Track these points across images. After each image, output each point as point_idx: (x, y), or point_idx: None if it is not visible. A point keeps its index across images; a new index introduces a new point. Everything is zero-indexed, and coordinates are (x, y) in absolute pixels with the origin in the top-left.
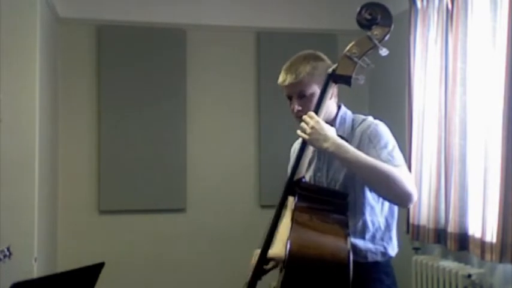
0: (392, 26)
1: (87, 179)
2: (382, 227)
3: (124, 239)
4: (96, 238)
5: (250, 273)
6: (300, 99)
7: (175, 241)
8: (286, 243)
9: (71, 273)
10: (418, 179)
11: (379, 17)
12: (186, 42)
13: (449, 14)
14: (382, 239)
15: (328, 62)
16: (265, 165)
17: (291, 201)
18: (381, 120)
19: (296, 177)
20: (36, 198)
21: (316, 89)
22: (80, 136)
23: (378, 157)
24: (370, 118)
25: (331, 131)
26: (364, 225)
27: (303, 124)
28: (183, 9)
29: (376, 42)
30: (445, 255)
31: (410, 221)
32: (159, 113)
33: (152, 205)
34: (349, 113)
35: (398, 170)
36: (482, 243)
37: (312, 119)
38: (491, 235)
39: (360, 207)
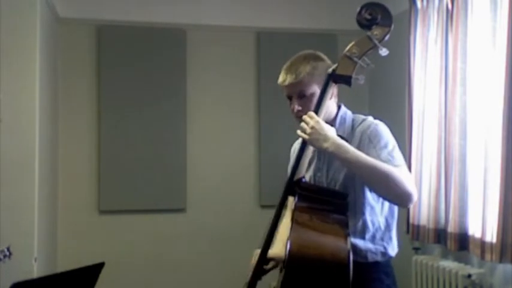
0: (393, 26)
1: (87, 179)
2: (382, 227)
3: (124, 239)
4: (96, 238)
5: (250, 273)
6: (300, 99)
7: (175, 241)
8: (286, 243)
9: (71, 273)
10: (418, 179)
11: (379, 17)
12: (186, 42)
13: (449, 14)
14: (382, 239)
15: (328, 62)
16: (265, 165)
17: (291, 201)
18: (381, 120)
19: (296, 177)
20: (36, 198)
21: (316, 89)
22: (80, 136)
23: (378, 157)
24: (370, 118)
25: (331, 131)
26: (364, 225)
27: (302, 124)
28: (183, 9)
29: (376, 42)
30: (445, 255)
31: (410, 221)
32: (159, 113)
33: (152, 205)
34: (349, 113)
35: (398, 170)
36: (482, 243)
37: (312, 119)
38: (491, 235)
39: (359, 207)
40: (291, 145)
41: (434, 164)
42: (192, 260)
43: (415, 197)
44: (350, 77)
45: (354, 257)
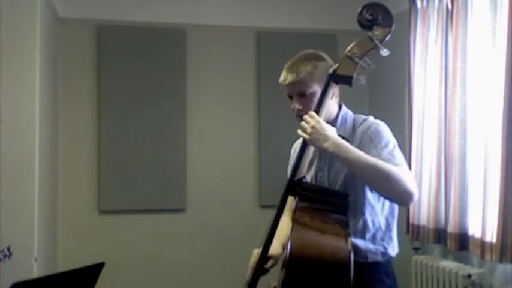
0: (393, 27)
1: (87, 179)
2: (383, 227)
3: (124, 239)
4: (96, 238)
5: (249, 273)
6: (301, 98)
7: (175, 241)
8: (287, 243)
9: (71, 273)
10: (418, 179)
11: (380, 17)
12: (186, 42)
13: (449, 14)
14: (382, 239)
15: (330, 61)
16: (265, 165)
17: (291, 200)
18: (381, 120)
19: (297, 178)
20: (36, 198)
21: (316, 89)
22: (80, 136)
23: (379, 156)
24: (371, 118)
25: (331, 131)
26: (365, 225)
27: (303, 123)
28: (183, 9)
29: (377, 42)
30: (445, 255)
31: (410, 221)
32: (159, 113)
33: (152, 205)
34: (350, 113)
35: (399, 169)
36: (482, 243)
37: (312, 119)
38: (491, 235)
39: (360, 207)
40: (291, 145)
41: (434, 164)
42: (192, 260)
43: (416, 196)
44: (351, 77)
45: (354, 257)
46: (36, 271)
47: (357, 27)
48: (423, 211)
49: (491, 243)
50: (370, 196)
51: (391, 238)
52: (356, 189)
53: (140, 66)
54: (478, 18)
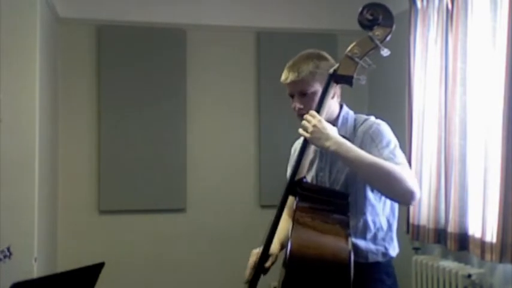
0: (394, 27)
1: (87, 179)
2: (384, 227)
3: (124, 239)
4: (96, 238)
5: (248, 272)
6: (302, 97)
7: (175, 241)
8: (287, 243)
9: (71, 273)
10: (418, 179)
11: (380, 17)
12: (186, 42)
13: (449, 14)
14: (383, 240)
15: (332, 61)
16: (265, 165)
17: (292, 200)
18: (381, 120)
19: (297, 177)
20: (36, 198)
21: (318, 88)
22: (80, 136)
23: (380, 156)
24: (372, 118)
25: (333, 130)
26: (365, 225)
27: (304, 122)
28: (183, 9)
29: (378, 42)
30: (445, 255)
31: (410, 221)
32: (159, 113)
33: (152, 205)
34: (351, 113)
35: (400, 168)
36: (482, 243)
37: (314, 118)
38: (491, 235)
39: (361, 207)
40: (291, 145)
41: (434, 164)
42: (192, 260)
43: (417, 195)
44: (351, 77)
45: (354, 258)
46: (36, 271)
47: (357, 27)
48: (423, 211)
49: (491, 243)
50: (372, 196)
51: (391, 238)
52: (357, 189)
53: (140, 66)
54: (478, 18)
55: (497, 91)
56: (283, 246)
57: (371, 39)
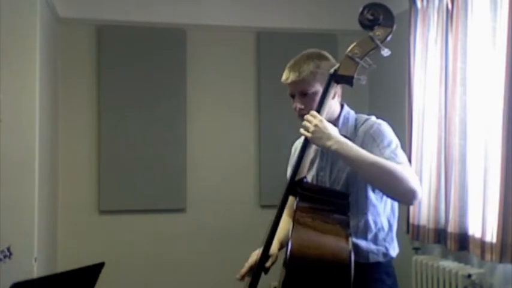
0: (395, 27)
1: (87, 179)
2: (385, 227)
3: (124, 239)
4: (96, 238)
5: (244, 270)
6: (303, 97)
7: (175, 241)
8: (288, 243)
9: (71, 273)
10: (418, 179)
11: (381, 17)
12: (186, 42)
13: (449, 14)
14: (384, 240)
15: (333, 61)
16: (265, 165)
17: (292, 200)
18: (382, 120)
19: (297, 177)
20: (36, 198)
21: (318, 88)
22: (80, 136)
23: (381, 156)
24: (373, 118)
25: (334, 130)
26: (367, 225)
27: (305, 123)
28: (183, 9)
29: (378, 42)
30: (445, 255)
31: (410, 221)
32: (159, 113)
33: (152, 205)
34: (352, 112)
35: (401, 167)
36: (482, 243)
37: (315, 118)
38: (491, 235)
39: (362, 207)
40: (291, 145)
41: (434, 164)
42: (192, 260)
43: (419, 194)
44: (352, 78)
45: (355, 258)
46: (36, 271)
47: (357, 27)
48: (423, 211)
49: (491, 243)
50: (373, 196)
51: (392, 238)
52: (358, 189)
53: (140, 66)
54: (478, 18)
55: (497, 91)
56: (282, 246)
57: (371, 39)
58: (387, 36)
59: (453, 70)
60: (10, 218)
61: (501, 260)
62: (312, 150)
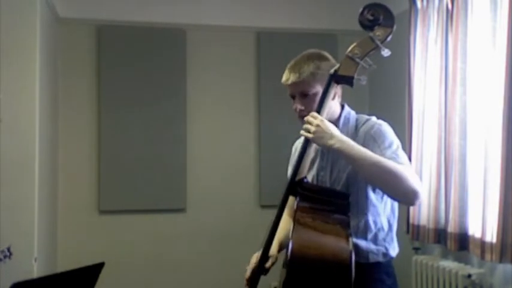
0: (395, 27)
1: (87, 179)
2: (385, 227)
3: (124, 239)
4: (96, 238)
5: (248, 273)
6: (303, 98)
7: (175, 241)
8: (288, 243)
9: (71, 273)
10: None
11: (381, 17)
12: (186, 42)
13: (449, 14)
14: (384, 240)
15: (333, 61)
16: (265, 165)
17: (292, 200)
18: (382, 120)
19: (298, 177)
20: (36, 198)
21: (319, 89)
22: (80, 136)
23: (383, 156)
24: (374, 118)
25: (335, 129)
26: (367, 225)
27: (306, 125)
28: (183, 9)
29: (378, 43)
30: (445, 255)
31: (410, 221)
32: (159, 113)
33: (152, 205)
34: (352, 113)
35: (403, 167)
36: (482, 243)
37: (315, 119)
38: (491, 235)
39: (362, 207)
40: (291, 145)
41: (434, 164)
42: (192, 260)
43: (421, 194)
44: (352, 78)
45: (355, 258)
46: (36, 271)
47: (357, 27)
48: (423, 211)
49: (491, 243)
50: (373, 196)
51: (392, 239)
52: (359, 189)
53: (140, 66)
54: (478, 18)
55: (497, 91)
56: (281, 246)
57: (372, 39)
58: (387, 37)
59: (453, 70)
60: (10, 218)
61: (501, 260)
62: (313, 150)
